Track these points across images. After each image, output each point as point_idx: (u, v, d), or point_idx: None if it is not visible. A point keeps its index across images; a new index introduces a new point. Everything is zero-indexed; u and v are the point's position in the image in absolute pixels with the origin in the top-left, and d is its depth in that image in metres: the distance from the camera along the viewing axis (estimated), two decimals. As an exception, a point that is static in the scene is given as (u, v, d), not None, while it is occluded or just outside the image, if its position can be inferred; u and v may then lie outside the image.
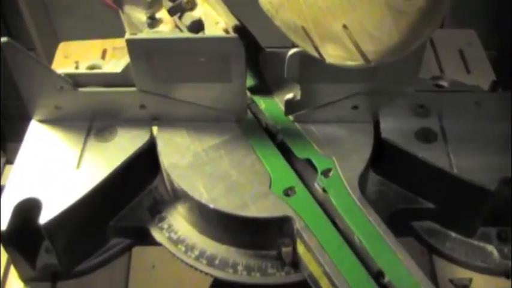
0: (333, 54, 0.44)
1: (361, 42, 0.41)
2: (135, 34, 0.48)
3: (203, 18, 0.57)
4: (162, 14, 0.61)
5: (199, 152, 0.52)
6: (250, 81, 0.57)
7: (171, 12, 0.59)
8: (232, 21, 0.55)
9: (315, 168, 0.51)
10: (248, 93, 0.56)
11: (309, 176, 0.50)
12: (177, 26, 0.59)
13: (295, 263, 0.49)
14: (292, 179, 0.49)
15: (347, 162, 0.50)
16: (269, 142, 0.52)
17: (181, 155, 0.52)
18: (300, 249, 0.47)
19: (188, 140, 0.53)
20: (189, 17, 0.58)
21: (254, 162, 0.51)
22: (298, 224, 0.46)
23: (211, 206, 0.48)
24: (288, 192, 0.48)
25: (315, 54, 0.45)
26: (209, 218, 0.50)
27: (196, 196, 0.49)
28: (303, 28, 0.44)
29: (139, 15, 0.61)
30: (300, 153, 0.52)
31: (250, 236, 0.50)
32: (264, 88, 0.58)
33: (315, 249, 0.45)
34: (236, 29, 0.54)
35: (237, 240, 0.50)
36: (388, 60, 0.42)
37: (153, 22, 0.60)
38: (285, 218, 0.47)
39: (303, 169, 0.51)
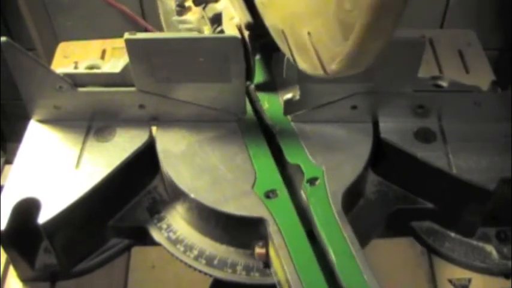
0: (302, 62, 0.43)
1: (320, 52, 0.40)
2: (134, 34, 0.48)
3: (223, 12, 0.57)
4: (191, 2, 0.61)
5: (192, 142, 0.52)
6: (259, 79, 0.57)
7: (196, 3, 0.59)
8: (246, 18, 0.55)
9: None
10: (256, 92, 0.56)
11: (299, 181, 0.50)
12: (203, 17, 0.60)
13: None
14: (276, 182, 0.49)
15: (337, 173, 0.49)
16: (263, 143, 0.52)
17: (176, 144, 0.52)
18: (271, 253, 0.47)
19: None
20: (212, 9, 0.58)
21: (244, 161, 0.51)
22: (271, 228, 0.46)
23: (192, 195, 0.48)
24: (269, 195, 0.48)
25: (291, 59, 0.45)
26: (190, 208, 0.50)
27: (181, 184, 0.49)
28: (283, 32, 0.44)
29: (171, 3, 0.62)
30: (291, 157, 0.51)
31: (234, 233, 0.50)
32: (272, 87, 0.58)
33: (282, 256, 0.44)
34: (249, 26, 0.53)
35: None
36: (343, 73, 0.40)
37: (181, 10, 0.61)
38: (259, 219, 0.47)
39: (295, 173, 0.51)
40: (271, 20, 0.45)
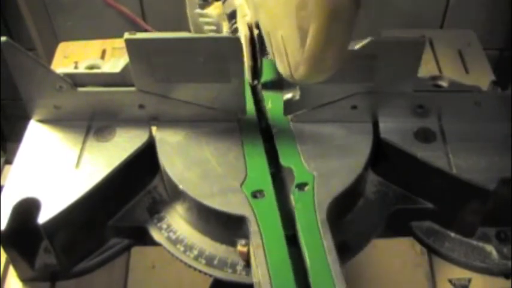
0: (279, 64, 0.43)
1: (289, 56, 0.40)
2: (134, 34, 0.48)
3: (237, 9, 0.57)
4: (214, -4, 0.61)
5: (190, 135, 0.53)
6: (268, 78, 0.58)
7: None
8: (256, 17, 0.54)
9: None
10: (262, 91, 0.57)
11: (290, 185, 0.49)
12: (223, 12, 0.60)
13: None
14: (265, 183, 0.49)
15: (328, 180, 0.49)
16: (260, 142, 0.52)
17: (174, 134, 0.52)
18: (251, 252, 0.47)
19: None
20: (230, 5, 0.58)
21: (237, 158, 0.51)
22: (252, 227, 0.46)
23: (180, 187, 0.49)
24: (256, 194, 0.48)
25: (274, 61, 0.45)
26: (178, 198, 0.51)
27: (172, 174, 0.49)
28: (268, 33, 0.44)
29: None
30: (284, 160, 0.51)
31: (220, 229, 0.50)
32: (279, 87, 0.57)
33: (257, 257, 0.44)
34: (258, 25, 0.53)
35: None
36: (307, 79, 0.41)
37: (204, 4, 0.61)
38: (242, 217, 0.47)
39: (288, 177, 0.50)
40: (261, 21, 0.45)
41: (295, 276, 0.43)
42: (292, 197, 0.48)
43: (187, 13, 0.65)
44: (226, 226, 0.49)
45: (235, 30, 0.57)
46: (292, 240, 0.46)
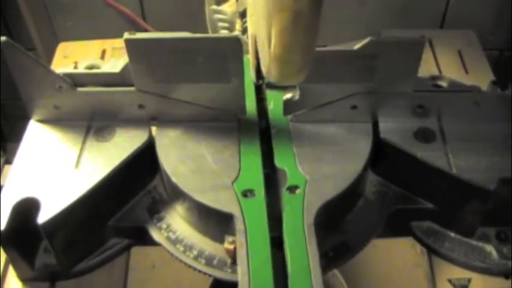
0: (262, 64, 0.43)
1: (265, 57, 0.40)
2: (134, 34, 0.48)
3: (247, 7, 0.57)
4: (230, -7, 0.62)
5: (189, 128, 0.53)
6: None
7: None
8: None
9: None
10: (266, 91, 0.57)
11: (283, 187, 0.49)
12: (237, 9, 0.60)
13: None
14: (257, 183, 0.49)
15: (320, 185, 0.49)
16: (257, 142, 0.52)
17: (173, 127, 0.53)
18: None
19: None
20: (243, 3, 0.59)
21: (232, 156, 0.51)
22: (238, 225, 0.46)
23: (173, 179, 0.49)
24: (246, 193, 0.48)
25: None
26: (175, 195, 0.51)
27: (166, 166, 0.50)
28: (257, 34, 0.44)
29: None
30: (279, 161, 0.51)
31: (210, 225, 0.50)
32: (284, 87, 0.57)
33: (239, 256, 0.44)
34: None
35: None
36: (279, 81, 0.41)
37: (221, 0, 0.62)
38: (229, 215, 0.47)
39: (282, 178, 0.50)
40: (256, 21, 0.45)
41: (275, 278, 0.43)
42: (282, 199, 0.48)
43: (205, 10, 0.65)
44: (216, 223, 0.49)
45: (246, 29, 0.56)
46: (277, 243, 0.45)
